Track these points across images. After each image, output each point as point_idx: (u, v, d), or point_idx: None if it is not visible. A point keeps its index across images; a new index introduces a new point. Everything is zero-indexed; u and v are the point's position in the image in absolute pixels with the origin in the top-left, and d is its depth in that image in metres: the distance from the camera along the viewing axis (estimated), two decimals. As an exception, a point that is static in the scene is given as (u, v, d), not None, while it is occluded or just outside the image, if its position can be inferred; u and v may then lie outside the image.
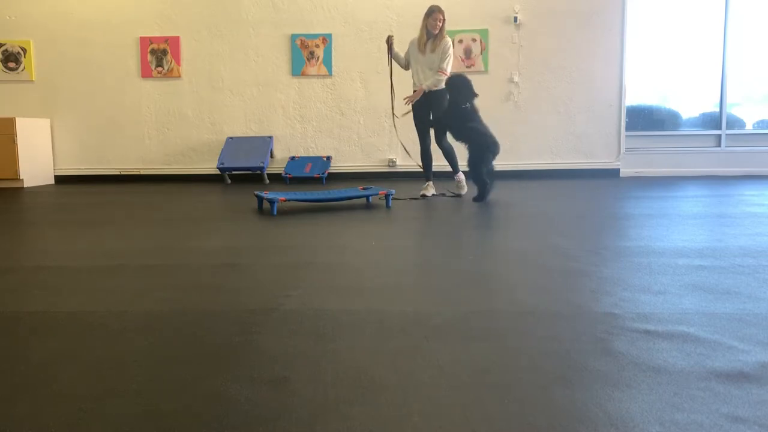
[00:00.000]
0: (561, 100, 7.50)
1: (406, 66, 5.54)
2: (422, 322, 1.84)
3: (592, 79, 7.47)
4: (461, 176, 5.52)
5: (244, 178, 7.55)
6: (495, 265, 2.62)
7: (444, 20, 5.25)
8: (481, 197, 4.95)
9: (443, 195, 5.44)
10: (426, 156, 5.52)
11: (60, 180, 7.63)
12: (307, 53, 7.47)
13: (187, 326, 1.83)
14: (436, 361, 1.53)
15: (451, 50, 5.28)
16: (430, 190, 5.49)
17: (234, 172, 7.41)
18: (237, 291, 2.24)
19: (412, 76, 5.45)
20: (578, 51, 7.44)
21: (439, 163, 5.61)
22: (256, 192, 4.67)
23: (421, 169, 5.61)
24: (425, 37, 5.29)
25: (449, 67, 5.27)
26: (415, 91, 5.36)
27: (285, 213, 4.36)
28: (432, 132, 5.42)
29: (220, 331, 1.78)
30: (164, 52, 7.50)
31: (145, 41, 7.51)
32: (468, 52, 7.39)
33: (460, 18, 7.37)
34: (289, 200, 4.48)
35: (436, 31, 5.24)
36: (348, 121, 7.56)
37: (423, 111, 5.39)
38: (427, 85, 5.27)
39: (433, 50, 5.27)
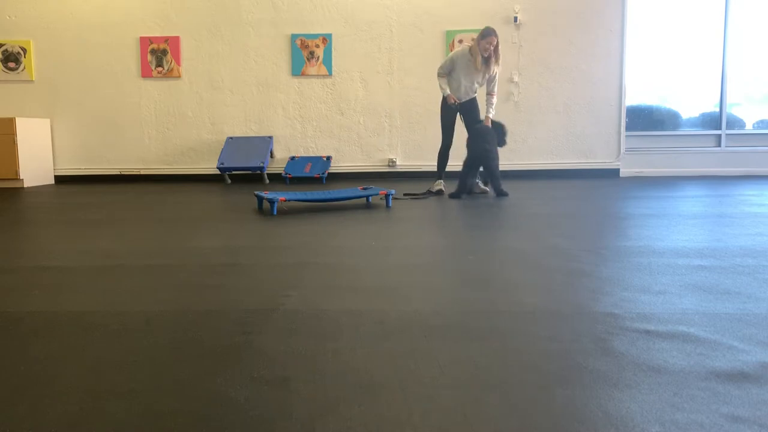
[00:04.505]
0: (561, 100, 7.50)
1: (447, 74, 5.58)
2: (422, 322, 1.84)
3: (592, 79, 7.47)
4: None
5: (244, 178, 7.55)
6: (495, 265, 2.62)
7: (498, 43, 5.36)
8: (457, 195, 5.33)
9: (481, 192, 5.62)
10: (444, 156, 5.67)
11: (60, 180, 7.63)
12: (307, 53, 7.47)
13: (187, 326, 1.83)
14: (436, 361, 1.53)
15: (498, 74, 5.56)
16: (437, 186, 5.63)
17: (234, 172, 7.41)
18: (237, 291, 2.24)
19: (454, 85, 5.51)
20: (578, 51, 7.44)
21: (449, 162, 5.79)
22: (256, 192, 4.67)
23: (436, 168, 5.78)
24: (479, 57, 5.35)
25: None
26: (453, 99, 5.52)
27: (285, 213, 4.36)
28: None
29: (220, 331, 1.78)
30: (164, 52, 7.51)
31: (145, 41, 7.51)
32: (468, 52, 7.39)
33: (460, 18, 7.38)
34: (289, 200, 4.48)
35: (486, 54, 5.34)
36: (348, 121, 7.56)
37: (454, 114, 5.59)
38: (492, 114, 5.52)
39: (487, 72, 5.42)
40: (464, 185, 5.32)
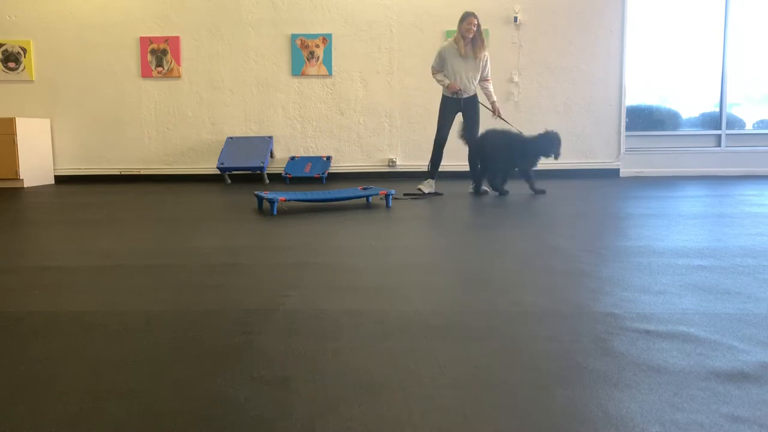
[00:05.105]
0: (561, 100, 7.50)
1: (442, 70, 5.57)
2: (422, 322, 1.84)
3: (592, 79, 7.47)
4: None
5: (244, 178, 7.55)
6: (495, 265, 2.62)
7: (478, 25, 5.39)
8: (503, 192, 5.53)
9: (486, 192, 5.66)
10: (439, 153, 5.62)
11: (60, 180, 7.63)
12: (307, 53, 7.47)
13: (187, 326, 1.83)
14: (436, 361, 1.53)
15: (488, 57, 5.58)
16: (427, 188, 5.56)
17: (234, 172, 7.41)
18: (237, 291, 2.24)
19: (453, 78, 5.48)
20: (578, 51, 7.44)
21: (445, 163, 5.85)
22: (256, 192, 4.67)
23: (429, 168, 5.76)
24: (462, 41, 5.38)
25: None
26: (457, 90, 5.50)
27: (285, 213, 4.36)
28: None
29: (220, 331, 1.78)
30: (164, 52, 7.50)
31: (145, 41, 7.51)
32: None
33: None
34: (289, 200, 4.48)
35: (471, 35, 5.37)
36: (348, 121, 7.56)
37: (454, 112, 5.58)
38: (493, 102, 5.64)
39: (474, 57, 5.43)
40: (496, 185, 5.48)
